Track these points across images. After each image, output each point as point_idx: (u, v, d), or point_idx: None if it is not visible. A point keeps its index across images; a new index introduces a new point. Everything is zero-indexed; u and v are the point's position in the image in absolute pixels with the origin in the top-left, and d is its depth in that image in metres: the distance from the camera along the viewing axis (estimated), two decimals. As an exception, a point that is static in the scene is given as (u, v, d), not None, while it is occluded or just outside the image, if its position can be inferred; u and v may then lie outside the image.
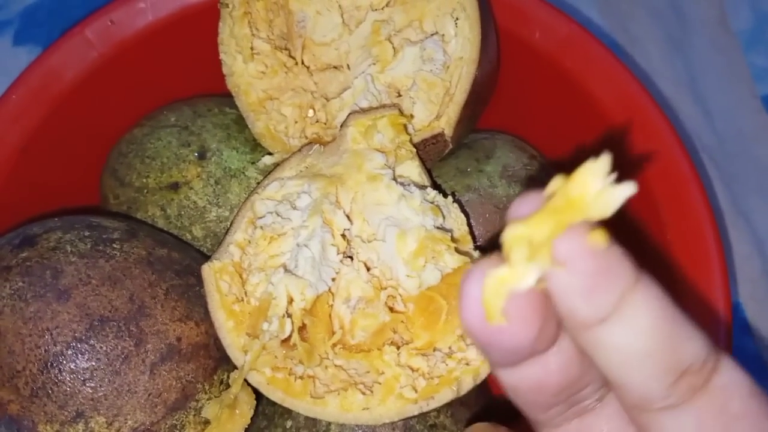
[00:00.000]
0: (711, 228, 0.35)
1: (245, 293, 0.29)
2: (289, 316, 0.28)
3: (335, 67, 0.37)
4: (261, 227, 0.30)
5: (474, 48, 0.33)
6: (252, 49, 0.36)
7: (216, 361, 0.29)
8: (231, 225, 0.31)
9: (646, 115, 0.37)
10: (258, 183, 0.36)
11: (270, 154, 0.37)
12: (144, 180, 0.37)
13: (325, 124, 0.37)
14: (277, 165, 0.36)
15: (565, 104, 0.39)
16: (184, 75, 0.41)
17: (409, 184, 0.31)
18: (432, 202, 0.30)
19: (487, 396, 0.38)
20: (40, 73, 0.38)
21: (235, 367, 0.29)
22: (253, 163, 0.37)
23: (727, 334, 0.33)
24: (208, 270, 0.29)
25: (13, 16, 0.55)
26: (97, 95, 0.39)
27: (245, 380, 0.28)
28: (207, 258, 0.34)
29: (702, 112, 0.52)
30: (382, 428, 0.32)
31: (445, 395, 0.28)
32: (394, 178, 0.31)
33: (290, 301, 0.28)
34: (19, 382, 0.26)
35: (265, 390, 0.29)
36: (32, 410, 0.26)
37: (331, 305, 0.29)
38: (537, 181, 0.38)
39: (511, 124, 0.42)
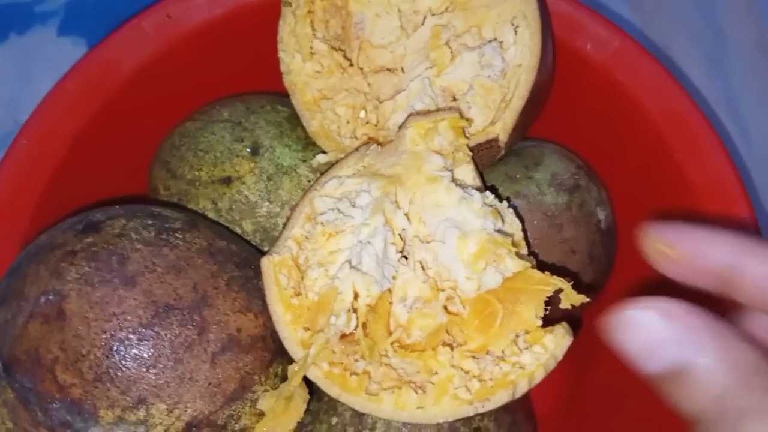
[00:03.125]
0: None
1: (304, 288, 0.29)
2: (354, 311, 0.28)
3: (389, 70, 0.37)
4: (322, 223, 0.30)
5: (534, 56, 0.33)
6: (311, 48, 0.36)
7: (272, 353, 0.29)
8: (288, 221, 0.31)
9: (695, 130, 0.38)
10: (312, 181, 0.36)
11: (323, 152, 0.37)
12: (196, 173, 0.37)
13: (376, 125, 0.37)
14: (330, 164, 0.37)
15: (613, 116, 0.40)
16: (236, 72, 0.41)
17: (467, 187, 0.31)
18: (491, 206, 0.30)
19: (528, 403, 0.38)
20: (97, 63, 0.39)
21: (290, 361, 0.29)
22: (304, 161, 0.37)
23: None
24: (267, 263, 0.29)
25: (59, 6, 0.55)
26: (150, 88, 0.40)
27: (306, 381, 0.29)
28: (260, 252, 0.34)
29: (740, 131, 0.53)
30: (427, 429, 0.32)
31: (501, 398, 0.28)
32: (453, 181, 0.31)
33: (355, 296, 0.28)
34: (83, 366, 0.26)
35: (322, 384, 0.29)
36: (94, 395, 0.26)
37: (391, 303, 0.29)
38: (584, 190, 0.38)
39: (558, 134, 0.42)
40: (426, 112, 0.33)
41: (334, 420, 0.32)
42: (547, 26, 0.36)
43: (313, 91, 0.37)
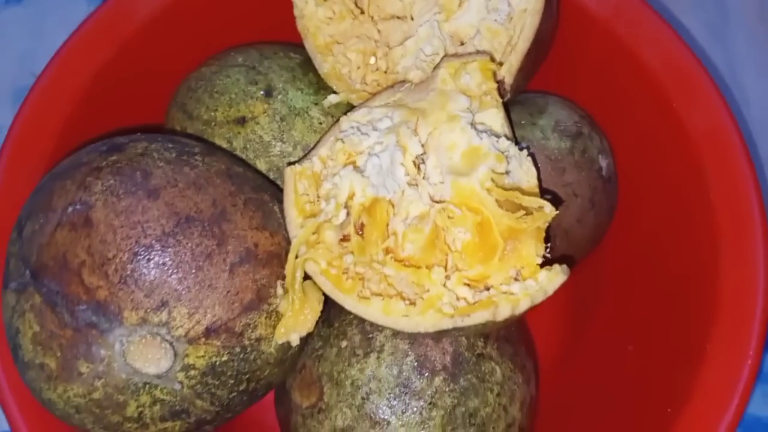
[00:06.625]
0: (757, 199, 0.36)
1: (317, 197, 0.31)
2: (348, 208, 0.30)
3: (399, 18, 0.38)
4: (342, 140, 0.32)
5: (539, 0, 0.35)
6: (323, -7, 0.38)
7: (286, 272, 0.31)
8: (317, 142, 0.33)
9: (696, 82, 0.39)
10: (324, 123, 0.38)
11: (335, 93, 0.38)
12: (212, 113, 0.38)
13: (385, 72, 0.38)
14: (341, 104, 0.38)
15: (614, 70, 0.41)
16: (250, 21, 0.43)
17: (484, 131, 0.32)
18: (503, 152, 0.32)
19: (529, 341, 0.39)
20: (114, 10, 0.40)
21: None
22: (316, 104, 0.39)
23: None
24: (290, 171, 0.32)
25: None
26: (166, 36, 0.41)
27: (312, 280, 0.30)
28: (275, 185, 0.36)
29: (741, 99, 0.54)
30: (434, 353, 0.33)
31: (482, 316, 0.29)
32: (473, 124, 0.32)
33: (351, 196, 0.30)
34: (109, 269, 0.27)
35: (317, 279, 0.30)
36: (119, 296, 0.27)
37: (393, 215, 0.30)
38: (586, 138, 0.39)
39: (561, 88, 0.43)
40: (459, 55, 0.35)
41: (344, 343, 0.34)
42: (552, -27, 0.37)
43: (325, 36, 0.38)
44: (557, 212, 0.30)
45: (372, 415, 0.32)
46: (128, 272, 0.27)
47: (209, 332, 0.28)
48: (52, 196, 0.29)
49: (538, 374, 0.39)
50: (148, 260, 0.27)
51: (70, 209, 0.28)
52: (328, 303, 0.32)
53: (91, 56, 0.39)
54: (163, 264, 0.27)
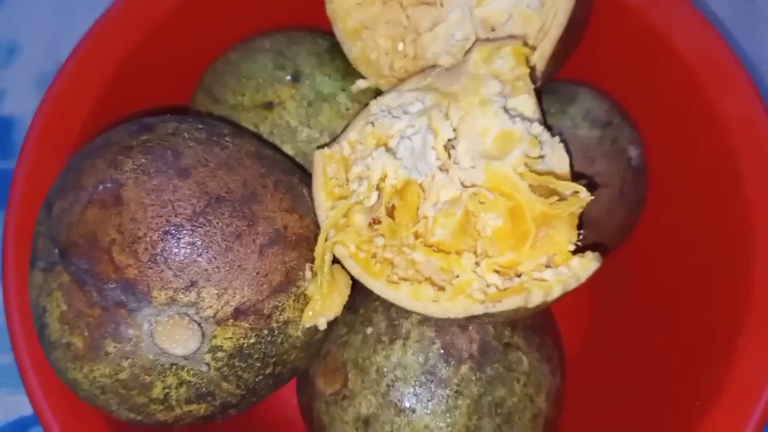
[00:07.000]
0: None
1: (347, 180, 0.31)
2: (379, 190, 0.30)
3: (429, 4, 0.38)
4: (372, 123, 0.31)
5: (573, -16, 0.34)
6: (353, -22, 0.37)
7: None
8: (347, 125, 0.32)
9: (731, 74, 0.38)
10: (350, 108, 0.38)
11: (363, 79, 0.38)
12: (239, 98, 0.38)
13: (414, 58, 0.38)
14: (369, 90, 0.38)
15: (647, 59, 0.40)
16: (277, 6, 0.42)
17: (517, 116, 0.32)
18: (536, 137, 0.31)
19: (556, 331, 0.39)
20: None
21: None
22: (343, 89, 0.38)
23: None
24: (319, 155, 0.32)
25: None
26: (194, 21, 0.41)
27: (341, 264, 0.30)
28: (303, 170, 0.36)
29: (766, 94, 0.53)
30: (461, 341, 0.33)
31: (513, 302, 0.29)
32: (505, 108, 0.32)
33: (383, 178, 0.30)
34: (138, 247, 0.27)
35: (345, 263, 0.30)
36: (149, 275, 0.27)
37: (423, 199, 0.30)
38: (617, 128, 0.39)
39: (592, 77, 0.42)
40: (492, 40, 0.34)
41: (369, 330, 0.33)
42: (586, -41, 0.36)
43: (354, 21, 0.38)
44: (592, 198, 0.30)
45: (397, 402, 0.32)
46: (158, 251, 0.27)
47: (238, 313, 0.28)
48: (82, 175, 0.28)
49: (564, 366, 0.38)
50: (178, 239, 0.27)
51: (100, 187, 0.28)
52: (354, 289, 0.32)
53: (117, 42, 0.39)
54: (193, 244, 0.27)
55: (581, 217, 0.31)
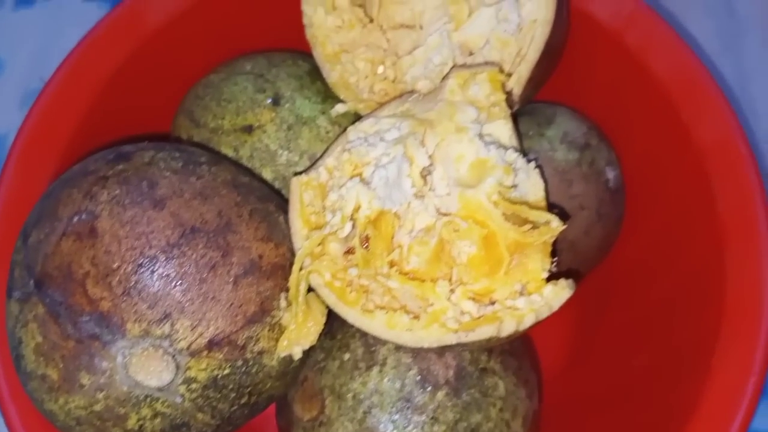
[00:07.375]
0: (764, 212, 0.35)
1: (323, 207, 0.31)
2: (353, 220, 0.30)
3: (408, 27, 0.38)
4: (348, 150, 0.31)
5: (549, 10, 0.34)
6: (333, 2, 0.37)
7: (291, 283, 0.31)
8: (324, 152, 0.33)
9: (706, 95, 0.38)
10: (330, 132, 0.38)
11: (343, 102, 0.38)
12: (219, 121, 0.38)
13: (393, 81, 0.38)
14: (349, 114, 0.38)
15: (624, 81, 0.41)
16: (260, 29, 0.43)
17: (492, 143, 0.32)
18: (510, 164, 0.31)
19: (533, 353, 0.39)
20: (124, 16, 0.40)
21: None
22: (323, 113, 0.38)
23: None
24: (296, 182, 0.32)
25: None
26: (175, 43, 0.41)
27: (316, 293, 0.30)
28: (281, 195, 0.36)
29: (750, 111, 0.53)
30: (437, 367, 0.33)
31: (486, 331, 0.29)
32: (481, 135, 0.32)
33: (357, 209, 0.30)
34: (113, 280, 0.27)
35: (320, 291, 0.30)
36: (123, 308, 0.27)
37: (399, 226, 0.30)
38: (594, 149, 0.39)
39: (570, 99, 0.43)
40: (468, 66, 0.34)
41: (347, 356, 0.34)
42: (563, -16, 0.37)
43: (334, 45, 0.38)
44: (564, 227, 0.30)
45: (373, 429, 0.32)
46: (132, 284, 0.27)
47: (212, 345, 0.28)
48: (59, 205, 0.29)
49: (541, 387, 0.38)
50: (152, 272, 0.27)
51: (75, 219, 0.28)
52: (332, 315, 0.32)
53: (100, 62, 0.39)
54: (167, 276, 0.27)
55: (555, 244, 0.31)
